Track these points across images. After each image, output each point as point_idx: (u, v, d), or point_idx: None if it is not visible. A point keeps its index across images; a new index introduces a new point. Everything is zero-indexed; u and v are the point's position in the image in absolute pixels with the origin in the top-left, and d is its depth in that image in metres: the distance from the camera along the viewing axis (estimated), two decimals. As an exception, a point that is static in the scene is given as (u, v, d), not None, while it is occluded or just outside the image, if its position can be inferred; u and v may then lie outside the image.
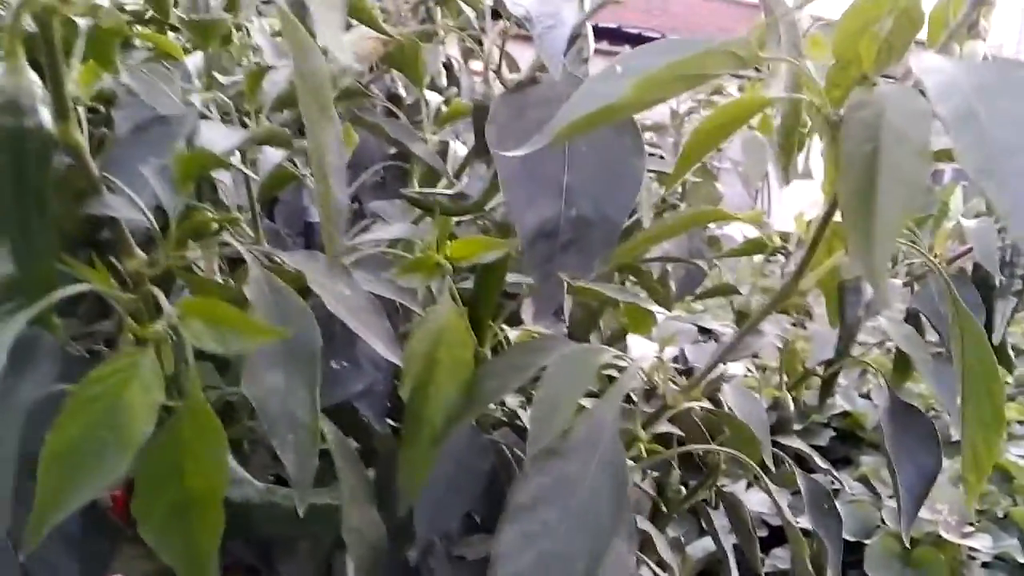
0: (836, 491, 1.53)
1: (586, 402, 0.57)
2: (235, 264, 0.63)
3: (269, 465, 0.68)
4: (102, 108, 0.62)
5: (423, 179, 0.83)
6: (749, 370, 0.88)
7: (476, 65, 1.39)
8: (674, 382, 0.58)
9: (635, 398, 0.61)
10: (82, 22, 0.51)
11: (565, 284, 0.53)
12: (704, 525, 0.95)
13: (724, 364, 0.57)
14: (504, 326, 0.77)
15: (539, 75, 0.58)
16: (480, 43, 1.33)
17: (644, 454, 0.56)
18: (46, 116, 0.42)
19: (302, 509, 0.47)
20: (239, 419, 0.62)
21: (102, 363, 0.42)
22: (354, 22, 0.68)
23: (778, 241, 0.58)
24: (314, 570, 0.67)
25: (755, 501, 1.29)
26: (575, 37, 0.64)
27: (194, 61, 0.66)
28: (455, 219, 0.72)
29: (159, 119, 0.56)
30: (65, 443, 0.39)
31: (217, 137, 0.54)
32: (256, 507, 0.55)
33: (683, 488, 0.88)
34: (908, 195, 0.35)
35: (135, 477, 0.42)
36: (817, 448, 1.76)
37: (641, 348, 0.60)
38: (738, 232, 1.51)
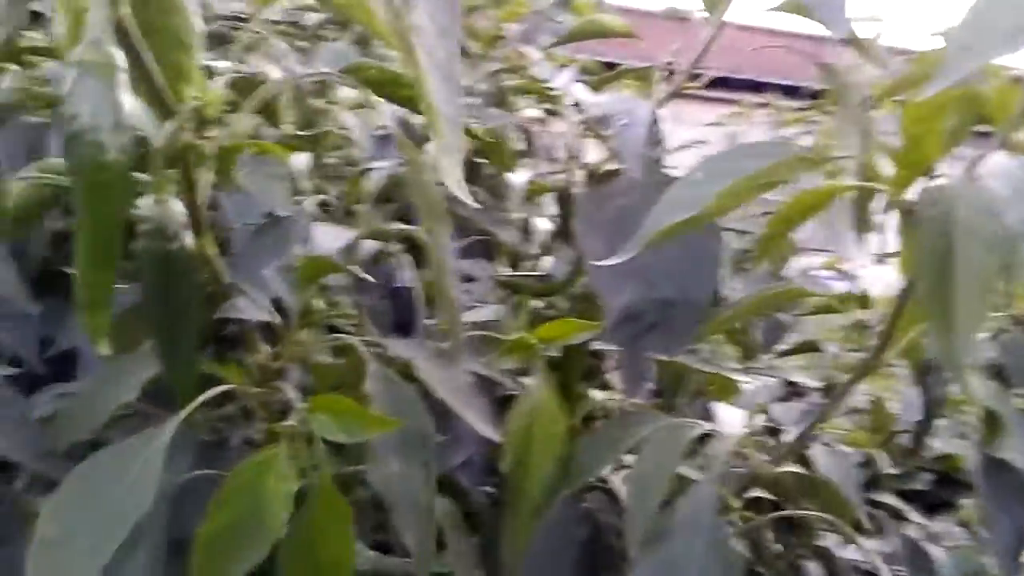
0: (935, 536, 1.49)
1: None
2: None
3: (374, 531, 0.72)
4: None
5: (508, 254, 0.88)
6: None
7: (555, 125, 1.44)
8: (765, 447, 0.60)
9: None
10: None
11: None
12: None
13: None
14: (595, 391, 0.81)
15: (620, 168, 0.62)
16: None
17: (740, 521, 0.58)
18: (188, 239, 0.48)
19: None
20: (350, 491, 0.67)
21: (245, 458, 0.47)
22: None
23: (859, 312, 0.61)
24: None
25: (851, 552, 1.28)
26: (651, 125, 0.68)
27: (300, 161, 0.72)
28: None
29: (275, 222, 0.62)
30: (215, 531, 0.44)
31: (328, 239, 0.59)
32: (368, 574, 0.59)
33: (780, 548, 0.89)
34: (983, 288, 0.38)
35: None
36: (917, 493, 1.73)
37: (730, 418, 0.62)
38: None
